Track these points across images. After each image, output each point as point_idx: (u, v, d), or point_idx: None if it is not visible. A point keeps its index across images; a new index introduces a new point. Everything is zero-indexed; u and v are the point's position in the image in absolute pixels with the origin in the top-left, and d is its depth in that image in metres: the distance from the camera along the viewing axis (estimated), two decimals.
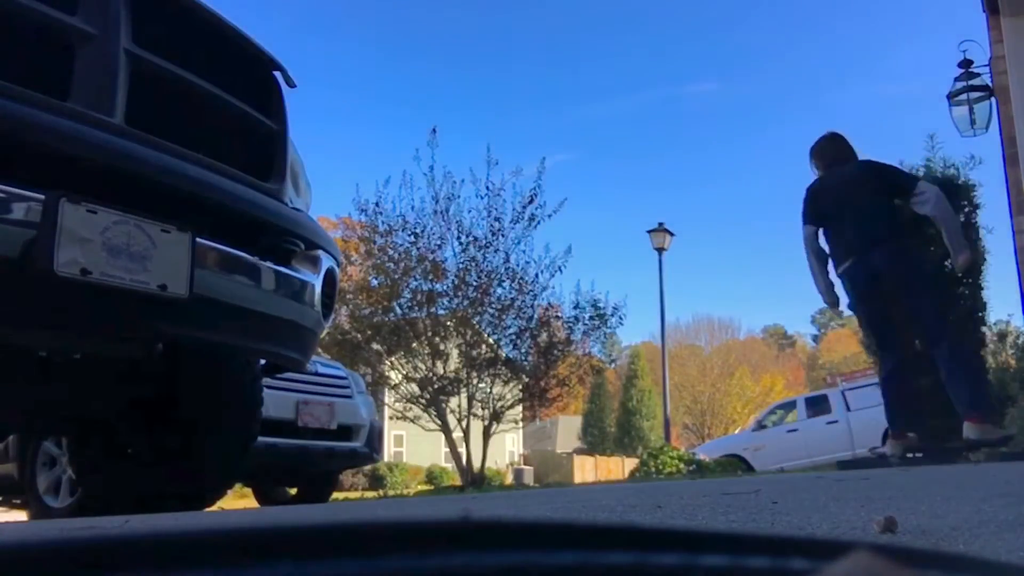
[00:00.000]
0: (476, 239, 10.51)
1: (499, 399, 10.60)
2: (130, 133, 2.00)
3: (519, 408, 11.61)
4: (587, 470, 29.16)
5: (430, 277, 10.54)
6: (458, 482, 12.20)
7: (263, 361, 2.99)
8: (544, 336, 10.95)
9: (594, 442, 37.16)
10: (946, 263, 5.12)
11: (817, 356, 56.15)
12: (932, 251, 4.76)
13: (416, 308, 10.52)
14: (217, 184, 2.21)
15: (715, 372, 39.94)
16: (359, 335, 10.52)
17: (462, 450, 10.33)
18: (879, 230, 4.61)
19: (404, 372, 10.46)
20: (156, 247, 1.96)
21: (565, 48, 72.76)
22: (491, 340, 10.78)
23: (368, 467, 17.32)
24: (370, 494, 15.80)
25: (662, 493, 2.47)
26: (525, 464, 30.90)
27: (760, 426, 13.78)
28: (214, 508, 3.61)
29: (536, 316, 10.85)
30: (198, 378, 3.01)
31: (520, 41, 71.50)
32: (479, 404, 10.46)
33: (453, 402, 10.40)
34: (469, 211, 10.61)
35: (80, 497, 3.60)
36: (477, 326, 10.69)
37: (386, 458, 24.73)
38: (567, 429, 39.44)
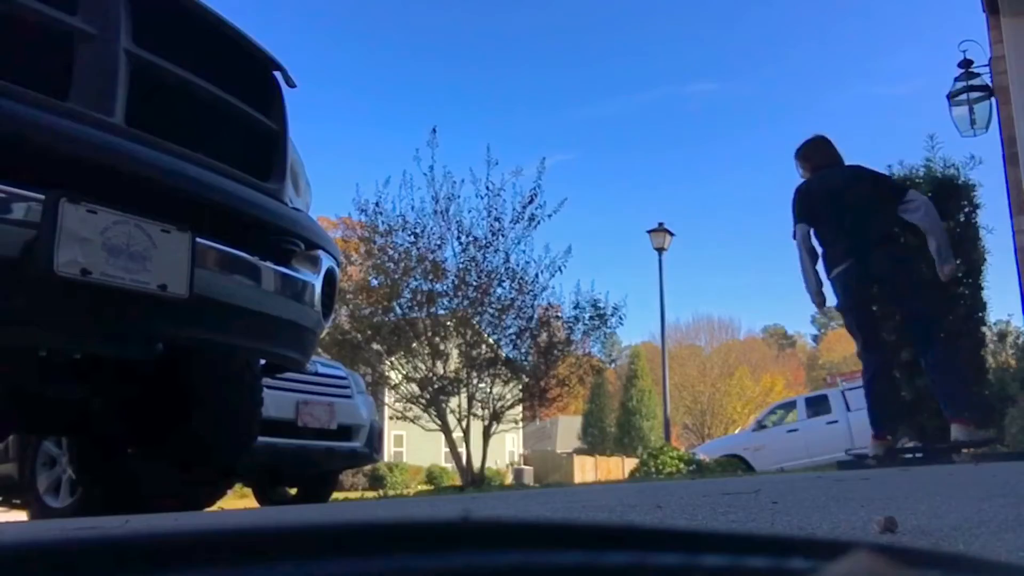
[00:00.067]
0: (476, 239, 10.52)
1: (499, 399, 10.60)
2: (130, 133, 2.00)
3: (519, 408, 11.61)
4: (587, 470, 29.17)
5: (430, 277, 10.54)
6: (458, 482, 12.20)
7: (263, 361, 2.99)
8: (544, 336, 10.95)
9: (594, 442, 37.18)
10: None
11: (817, 356, 56.17)
12: (927, 255, 4.80)
13: (416, 308, 10.52)
14: (217, 184, 2.21)
15: (715, 372, 39.92)
16: (359, 335, 10.52)
17: (462, 450, 10.34)
18: (877, 234, 4.67)
19: (404, 372, 10.46)
20: (156, 247, 1.96)
21: (565, 48, 72.83)
22: (491, 340, 10.79)
23: (368, 467, 17.34)
24: (370, 494, 15.81)
25: (662, 493, 2.47)
26: (525, 464, 30.92)
27: (760, 426, 13.77)
28: (214, 508, 3.61)
29: (536, 316, 10.85)
30: (198, 378, 3.01)
31: (520, 41, 71.56)
32: (479, 404, 10.47)
33: (453, 402, 10.40)
34: (469, 211, 10.64)
35: (80, 497, 3.60)
36: (477, 326, 10.69)
37: (386, 458, 24.75)
38: (567, 429, 39.46)
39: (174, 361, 2.80)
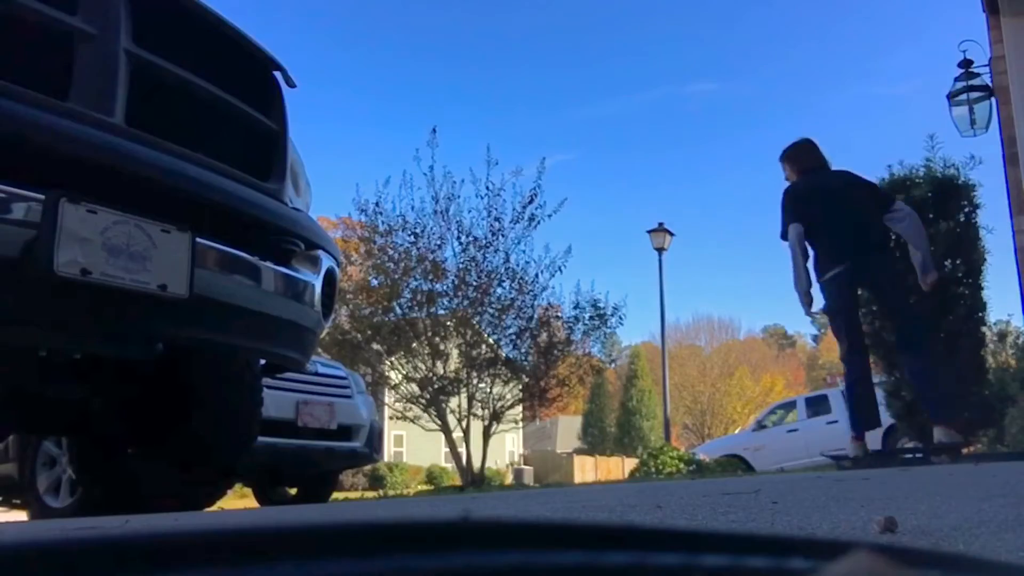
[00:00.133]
0: (476, 239, 10.52)
1: (499, 399, 10.60)
2: (130, 133, 2.00)
3: (519, 408, 11.61)
4: (587, 470, 29.17)
5: (430, 277, 10.54)
6: (458, 482, 12.20)
7: (263, 361, 2.99)
8: (544, 336, 10.95)
9: (594, 442, 37.19)
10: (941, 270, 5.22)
11: (817, 356, 56.12)
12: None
13: (416, 308, 10.52)
14: (217, 184, 2.21)
15: (715, 372, 39.93)
16: (359, 335, 10.52)
17: (462, 450, 10.33)
18: (871, 239, 4.75)
19: (404, 372, 10.46)
20: (156, 247, 1.96)
21: (565, 48, 72.80)
22: (491, 340, 10.79)
23: (368, 467, 17.33)
24: (370, 494, 15.81)
25: (662, 493, 2.47)
26: (525, 464, 30.93)
27: (760, 426, 13.76)
28: (214, 508, 3.61)
29: (536, 316, 10.85)
30: (198, 378, 3.01)
31: (520, 41, 71.53)
32: (479, 404, 10.46)
33: (453, 402, 10.40)
34: (469, 211, 10.63)
35: (80, 497, 3.60)
36: (477, 326, 10.69)
37: (386, 458, 24.75)
38: (567, 429, 39.47)
39: (174, 361, 2.80)
